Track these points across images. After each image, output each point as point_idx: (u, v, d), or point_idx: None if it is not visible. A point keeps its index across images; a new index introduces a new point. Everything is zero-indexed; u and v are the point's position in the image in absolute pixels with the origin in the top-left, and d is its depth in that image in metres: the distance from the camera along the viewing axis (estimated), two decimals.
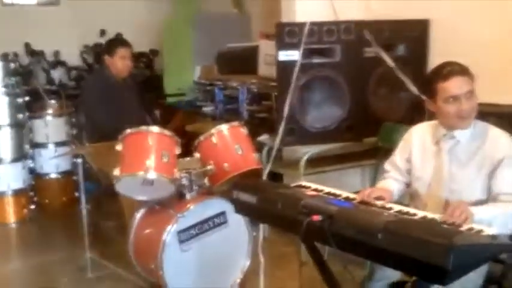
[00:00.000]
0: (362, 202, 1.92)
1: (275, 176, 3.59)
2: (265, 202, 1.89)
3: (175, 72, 5.41)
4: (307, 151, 3.33)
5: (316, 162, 3.39)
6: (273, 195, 1.90)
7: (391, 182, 2.22)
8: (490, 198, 1.95)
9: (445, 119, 2.02)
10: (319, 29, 3.19)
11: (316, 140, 3.40)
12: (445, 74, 1.97)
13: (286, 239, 3.25)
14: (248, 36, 5.19)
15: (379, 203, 1.92)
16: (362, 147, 3.47)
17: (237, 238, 2.88)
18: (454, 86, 1.94)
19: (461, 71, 1.96)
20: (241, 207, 2.02)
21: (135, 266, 2.82)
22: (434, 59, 3.32)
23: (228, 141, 2.94)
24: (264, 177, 3.61)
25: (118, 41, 3.94)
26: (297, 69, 2.97)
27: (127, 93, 3.60)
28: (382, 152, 2.99)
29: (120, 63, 3.50)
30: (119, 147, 2.66)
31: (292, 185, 2.16)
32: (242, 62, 4.61)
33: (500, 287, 2.15)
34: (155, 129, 2.72)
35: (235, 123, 3.06)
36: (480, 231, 1.61)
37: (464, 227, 1.63)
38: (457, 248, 1.37)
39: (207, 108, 4.67)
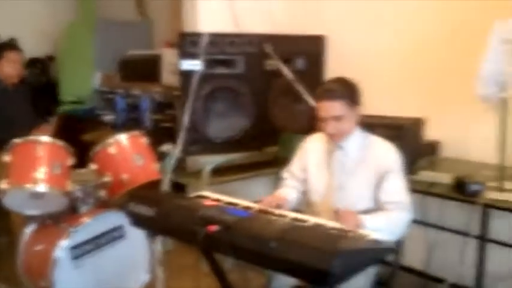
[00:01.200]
0: (261, 211, 1.95)
1: (179, 187, 3.54)
2: (162, 214, 1.85)
3: (73, 79, 5.16)
4: (211, 161, 3.33)
5: (221, 172, 3.40)
6: (170, 207, 1.87)
7: (288, 190, 2.28)
8: (377, 207, 2.06)
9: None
10: (222, 40, 3.22)
11: (220, 150, 3.42)
12: (318, 94, 2.08)
13: (190, 250, 3.21)
14: (151, 43, 5.10)
15: (277, 211, 1.96)
16: (263, 157, 3.54)
17: (135, 252, 2.81)
18: (321, 108, 2.04)
19: (331, 95, 2.02)
20: (137, 220, 1.96)
21: (27, 285, 2.63)
22: (330, 73, 3.51)
23: (127, 152, 2.86)
24: (166, 187, 3.55)
25: (6, 45, 3.71)
26: (196, 78, 2.96)
27: (19, 100, 3.38)
28: (282, 161, 3.08)
29: (7, 68, 3.28)
30: (7, 158, 2.47)
31: (192, 195, 2.14)
32: (145, 69, 4.52)
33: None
34: (45, 138, 2.57)
35: (135, 133, 2.99)
36: (365, 236, 1.70)
37: (352, 233, 1.71)
38: (340, 252, 1.43)
39: (108, 117, 4.49)
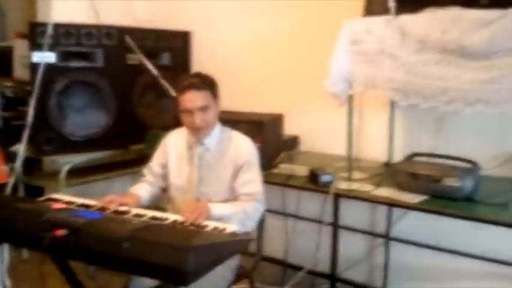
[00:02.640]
0: (116, 212, 1.87)
1: (36, 190, 3.27)
2: (3, 219, 1.69)
3: None
4: (69, 161, 3.12)
5: (83, 172, 3.21)
6: (12, 212, 1.71)
7: (144, 186, 2.24)
8: (234, 199, 2.10)
9: (186, 129, 2.13)
10: (78, 31, 3.03)
11: (80, 149, 3.22)
12: (181, 87, 2.06)
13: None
14: (2, 35, 4.65)
15: (134, 210, 1.89)
16: (129, 155, 3.42)
17: None
18: (187, 100, 2.04)
19: (197, 85, 2.04)
20: None
21: None
22: (195, 69, 3.51)
23: None
24: (16, 190, 3.28)
25: None
26: (43, 71, 2.75)
27: None
28: (149, 158, 3.01)
29: None
30: None
31: (41, 198, 1.98)
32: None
33: (251, 279, 2.37)
34: None
35: None
36: (223, 229, 1.72)
37: (209, 228, 1.71)
38: (194, 248, 1.43)
39: None
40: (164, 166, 2.23)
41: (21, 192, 3.30)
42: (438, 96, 2.10)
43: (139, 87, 3.40)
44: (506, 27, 1.94)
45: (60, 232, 1.56)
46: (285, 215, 3.12)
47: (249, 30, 3.37)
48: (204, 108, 2.04)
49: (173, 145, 2.23)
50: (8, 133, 3.41)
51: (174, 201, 2.19)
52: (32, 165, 3.35)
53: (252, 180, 2.11)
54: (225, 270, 2.02)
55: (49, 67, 2.95)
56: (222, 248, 1.60)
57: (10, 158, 3.31)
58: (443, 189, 2.25)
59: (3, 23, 4.78)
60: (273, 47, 3.26)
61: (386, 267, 2.97)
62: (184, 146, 2.19)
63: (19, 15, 4.57)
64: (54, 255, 1.73)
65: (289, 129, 3.11)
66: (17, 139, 3.36)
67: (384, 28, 2.21)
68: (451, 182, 2.23)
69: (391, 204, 2.35)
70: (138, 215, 1.82)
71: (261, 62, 3.34)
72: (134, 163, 3.43)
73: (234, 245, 1.70)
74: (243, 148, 2.15)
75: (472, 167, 2.28)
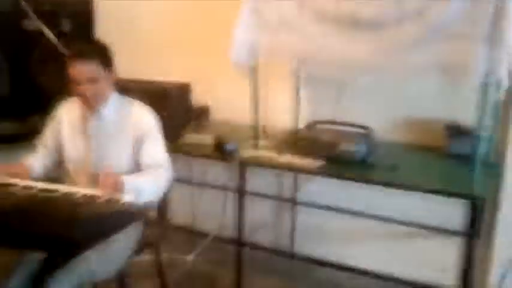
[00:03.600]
0: (1, 184, 1.77)
1: None
2: None
3: None
4: None
5: None
6: None
7: (37, 157, 2.14)
8: (139, 169, 2.05)
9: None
10: None
11: None
12: (69, 56, 1.96)
13: None
14: None
15: (22, 182, 1.80)
16: (28, 127, 3.24)
17: None
18: (74, 70, 1.94)
19: (84, 55, 1.93)
20: None
21: None
22: (98, 35, 3.36)
23: None
24: None
25: None
26: None
27: None
28: None
29: None
30: None
31: None
32: None
33: (156, 250, 2.36)
34: None
35: None
36: (117, 200, 1.69)
37: (102, 199, 1.68)
38: (81, 219, 1.40)
39: None
40: (57, 138, 2.13)
41: None
42: (332, 65, 2.17)
43: (37, 55, 3.20)
44: None
45: None
46: (192, 183, 3.13)
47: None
48: (91, 80, 1.94)
49: (66, 116, 2.13)
50: None
51: (70, 174, 2.11)
52: None
53: (156, 150, 2.08)
54: (125, 240, 1.99)
55: None
56: (112, 218, 1.58)
57: None
58: (340, 154, 2.35)
59: None
60: (180, 16, 3.19)
61: (292, 231, 3.09)
62: (79, 117, 2.10)
63: None
64: None
65: (198, 99, 3.09)
66: None
67: None
68: (347, 147, 2.34)
69: (292, 169, 2.43)
70: (26, 187, 1.74)
71: (168, 31, 3.26)
72: (35, 135, 3.27)
73: (127, 216, 1.68)
74: (143, 118, 2.10)
75: (366, 132, 2.41)
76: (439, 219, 2.62)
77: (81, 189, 1.76)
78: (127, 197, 1.72)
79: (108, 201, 1.67)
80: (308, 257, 3.04)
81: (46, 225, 1.40)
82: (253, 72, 2.57)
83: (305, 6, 2.23)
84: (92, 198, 1.66)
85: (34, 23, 3.04)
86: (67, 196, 1.66)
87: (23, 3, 2.98)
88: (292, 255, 3.11)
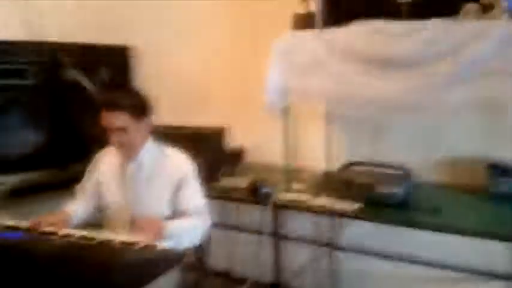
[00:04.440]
0: (42, 233, 1.80)
1: None
2: None
3: None
4: (4, 181, 3.01)
5: (18, 193, 3.09)
6: None
7: (77, 203, 2.18)
8: (176, 215, 2.06)
9: None
10: (10, 48, 2.94)
11: (16, 169, 3.11)
12: (99, 104, 1.99)
13: None
14: None
15: (62, 231, 1.83)
16: (69, 174, 3.33)
17: None
18: (103, 118, 1.97)
19: (112, 104, 1.95)
20: None
21: None
22: (136, 83, 3.47)
23: None
24: None
25: None
26: None
27: None
28: None
29: None
30: None
31: None
32: None
33: None
34: None
35: None
36: (154, 246, 1.68)
37: (139, 245, 1.68)
38: (119, 266, 1.39)
39: None
40: (96, 185, 2.17)
41: None
42: (365, 105, 2.15)
43: (77, 104, 3.32)
44: (427, 38, 2.02)
45: None
46: (228, 227, 3.11)
47: (192, 46, 3.37)
48: (121, 129, 1.97)
49: (105, 163, 2.18)
50: None
51: (109, 221, 2.13)
52: None
53: (193, 195, 2.09)
54: (164, 285, 1.97)
55: None
56: (151, 264, 1.57)
57: None
58: (377, 196, 2.30)
59: None
60: (216, 62, 3.27)
61: (332, 275, 3.01)
62: (116, 164, 2.14)
63: None
64: None
65: (234, 142, 3.11)
66: None
67: (312, 41, 2.26)
68: (385, 189, 2.29)
69: (328, 212, 2.38)
70: (65, 236, 1.76)
71: (206, 76, 3.34)
72: (75, 182, 3.35)
73: (165, 261, 1.67)
74: (180, 164, 2.11)
75: (404, 174, 2.35)
76: (484, 262, 2.49)
77: (119, 236, 1.76)
78: (165, 243, 1.72)
79: (146, 247, 1.67)
80: None
81: (85, 272, 1.41)
82: (285, 114, 2.58)
83: (334, 46, 2.24)
84: (130, 244, 1.66)
85: (72, 73, 3.17)
86: (105, 243, 1.67)
87: (61, 54, 3.12)
88: None
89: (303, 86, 2.45)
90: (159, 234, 1.80)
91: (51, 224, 1.88)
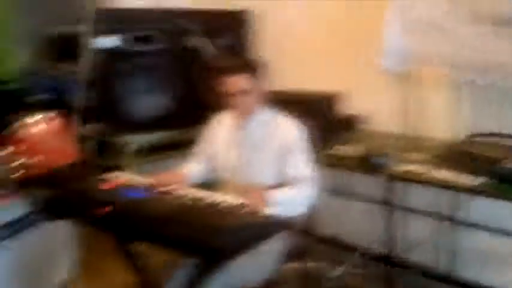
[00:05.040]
0: (160, 192, 1.95)
1: (106, 169, 3.49)
2: (59, 197, 1.84)
3: None
4: (136, 141, 3.29)
5: (148, 152, 3.37)
6: (68, 190, 1.85)
7: (193, 164, 2.31)
8: (284, 183, 2.09)
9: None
10: (141, 15, 3.16)
11: (147, 128, 3.38)
12: (222, 69, 2.09)
13: None
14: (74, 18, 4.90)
15: (176, 191, 1.95)
16: (192, 135, 3.53)
17: (59, 234, 2.73)
18: (227, 83, 2.06)
19: (237, 68, 2.06)
20: (36, 204, 1.93)
21: None
22: (255, 48, 3.51)
23: (43, 133, 2.78)
24: (92, 170, 3.51)
25: None
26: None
27: None
28: None
29: None
30: None
31: (97, 177, 2.11)
32: (74, 46, 4.37)
33: (303, 260, 2.37)
34: None
35: (51, 114, 2.91)
36: (260, 212, 1.73)
37: (247, 209, 1.73)
38: (225, 228, 1.46)
39: (36, 97, 4.34)
40: (211, 147, 2.28)
41: (98, 169, 3.54)
42: (494, 71, 1.94)
43: (198, 69, 3.47)
44: None
45: (105, 210, 1.66)
46: (339, 194, 3.07)
47: (308, 9, 3.30)
48: (243, 92, 2.05)
49: (221, 126, 2.28)
50: (83, 113, 3.66)
51: (221, 184, 2.24)
52: (103, 145, 3.58)
53: (302, 162, 2.10)
54: (272, 250, 2.04)
55: (113, 51, 3.10)
56: (257, 229, 1.62)
57: (83, 139, 3.57)
58: (504, 171, 2.09)
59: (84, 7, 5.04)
60: (331, 25, 3.17)
61: (452, 252, 2.84)
62: (231, 127, 2.22)
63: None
64: (98, 229, 1.82)
65: (347, 108, 3.03)
66: (90, 120, 3.61)
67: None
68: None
69: (448, 186, 2.23)
70: (179, 196, 1.88)
71: (319, 40, 3.26)
72: (193, 144, 3.55)
73: (271, 227, 1.71)
74: (289, 131, 2.14)
75: None
76: None
77: (228, 199, 1.84)
78: (271, 210, 1.76)
79: (252, 212, 1.72)
80: (470, 282, 2.78)
81: (193, 233, 1.50)
82: (405, 79, 2.43)
83: (458, 5, 2.02)
84: (237, 208, 1.73)
85: (195, 39, 3.30)
86: (214, 205, 1.75)
87: (184, 20, 3.26)
88: (449, 280, 2.86)
89: (424, 49, 2.27)
90: (265, 202, 1.85)
91: (169, 183, 2.02)
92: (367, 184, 2.87)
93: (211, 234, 1.46)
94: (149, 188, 1.98)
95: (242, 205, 1.76)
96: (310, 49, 3.31)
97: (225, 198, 1.86)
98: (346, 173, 2.90)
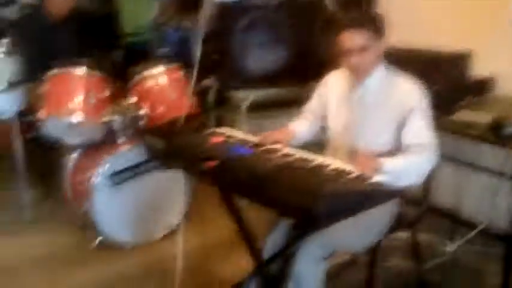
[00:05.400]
0: (266, 150, 1.93)
1: (218, 123, 3.58)
2: (171, 148, 1.91)
3: (134, 9, 5.20)
4: (250, 95, 3.32)
5: (262, 107, 3.39)
6: (179, 142, 1.92)
7: (302, 122, 2.24)
8: (400, 149, 1.94)
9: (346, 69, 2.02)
10: None
11: (261, 84, 3.39)
12: (339, 26, 1.93)
13: None
14: None
15: (283, 150, 1.91)
16: (306, 92, 3.46)
17: (173, 181, 2.90)
18: (344, 38, 1.91)
19: (355, 23, 1.89)
20: (151, 152, 2.04)
21: (74, 207, 2.86)
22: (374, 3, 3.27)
23: (163, 85, 2.93)
24: (210, 122, 3.63)
25: None
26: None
27: (62, 36, 3.30)
28: None
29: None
30: (43, 88, 2.62)
31: (207, 132, 2.16)
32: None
33: (413, 230, 2.24)
34: (81, 70, 2.67)
35: (172, 66, 3.05)
36: (367, 179, 1.64)
37: (352, 175, 1.65)
38: (326, 193, 1.40)
39: (161, 50, 4.55)
40: (323, 106, 2.19)
41: (212, 124, 3.66)
42: None
43: (318, 23, 3.35)
44: None
45: (212, 164, 1.69)
46: (460, 163, 2.80)
47: None
48: (362, 49, 1.90)
49: (334, 85, 2.17)
50: (205, 66, 3.75)
51: (330, 145, 2.16)
52: (218, 99, 3.67)
53: (421, 129, 1.92)
54: (380, 216, 1.93)
55: (231, 5, 3.10)
56: (359, 197, 1.54)
57: (202, 92, 3.68)
58: None
59: None
60: None
61: None
62: (345, 87, 2.11)
63: None
64: (207, 182, 1.86)
65: (479, 70, 2.72)
66: (212, 73, 3.70)
67: None
68: None
69: None
70: (286, 155, 1.85)
71: None
72: (306, 101, 3.47)
73: (378, 195, 1.61)
74: (410, 93, 1.96)
75: None
76: None
77: (335, 163, 1.77)
78: (380, 177, 1.65)
79: (358, 178, 1.63)
80: None
81: (291, 195, 1.46)
82: None
83: None
84: (343, 173, 1.65)
85: None
86: (319, 168, 1.69)
87: None
88: None
89: None
90: (376, 170, 1.73)
91: (276, 141, 2.00)
92: (494, 156, 2.58)
93: (309, 199, 1.40)
94: (256, 145, 1.98)
95: (349, 171, 1.68)
96: (437, 3, 2.99)
97: (332, 162, 1.79)
98: (471, 142, 2.63)
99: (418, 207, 2.19)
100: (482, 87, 2.79)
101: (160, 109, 2.84)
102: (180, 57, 4.22)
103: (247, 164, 1.67)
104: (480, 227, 2.44)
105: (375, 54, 1.95)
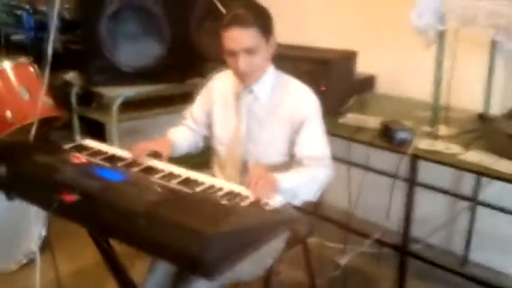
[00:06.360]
0: (141, 170, 1.60)
1: (91, 122, 3.13)
2: (15, 173, 1.48)
3: None
4: (122, 93, 2.91)
5: (134, 106, 3.01)
6: (27, 165, 1.50)
7: (184, 131, 1.96)
8: (293, 162, 1.75)
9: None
10: None
11: (134, 81, 3.00)
12: (224, 22, 1.65)
13: None
14: None
15: (166, 169, 1.61)
16: (186, 89, 3.14)
17: (27, 207, 2.41)
18: (230, 38, 1.63)
19: (242, 20, 1.61)
20: None
21: None
22: None
23: (10, 84, 2.43)
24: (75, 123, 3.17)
25: None
26: None
27: None
28: None
29: None
30: None
31: (68, 146, 1.75)
32: None
33: (305, 245, 2.08)
34: None
35: (22, 60, 2.56)
36: (266, 204, 1.40)
37: (246, 202, 1.40)
38: (218, 234, 1.13)
39: (16, 37, 3.89)
40: (208, 114, 1.90)
41: (76, 126, 3.19)
42: None
43: (197, 13, 3.05)
44: None
45: (71, 197, 1.32)
46: (351, 164, 2.76)
47: None
48: (250, 50, 1.63)
49: (219, 91, 1.88)
50: (65, 58, 3.24)
51: (218, 157, 1.88)
52: (86, 96, 3.20)
53: (316, 140, 1.73)
54: (274, 244, 1.70)
55: None
56: (259, 230, 1.30)
57: (65, 86, 3.18)
58: None
59: None
60: None
61: (469, 234, 2.59)
62: (232, 92, 1.84)
63: None
64: (63, 217, 1.48)
65: (364, 68, 2.64)
66: (73, 66, 3.20)
67: None
68: None
69: (481, 173, 1.89)
70: (168, 177, 1.53)
71: None
72: (191, 98, 3.17)
73: (277, 226, 1.39)
74: (302, 100, 1.75)
75: None
76: None
77: (225, 185, 1.50)
78: (279, 200, 1.42)
79: (254, 204, 1.39)
80: (484, 266, 2.57)
81: (176, 236, 1.17)
82: (440, 39, 2.06)
83: None
84: (238, 198, 1.40)
85: None
86: (209, 194, 1.41)
87: None
88: (464, 261, 2.64)
89: (467, 7, 1.89)
90: (273, 189, 1.50)
91: (154, 154, 1.69)
92: (386, 159, 2.52)
93: (197, 243, 1.12)
94: (129, 164, 1.64)
95: (244, 196, 1.42)
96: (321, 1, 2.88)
97: (223, 184, 1.52)
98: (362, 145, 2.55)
99: (309, 216, 2.03)
100: (365, 87, 2.74)
101: (7, 113, 2.35)
102: (36, 46, 3.66)
103: (118, 197, 1.32)
104: (372, 239, 2.35)
105: (263, 57, 1.69)
